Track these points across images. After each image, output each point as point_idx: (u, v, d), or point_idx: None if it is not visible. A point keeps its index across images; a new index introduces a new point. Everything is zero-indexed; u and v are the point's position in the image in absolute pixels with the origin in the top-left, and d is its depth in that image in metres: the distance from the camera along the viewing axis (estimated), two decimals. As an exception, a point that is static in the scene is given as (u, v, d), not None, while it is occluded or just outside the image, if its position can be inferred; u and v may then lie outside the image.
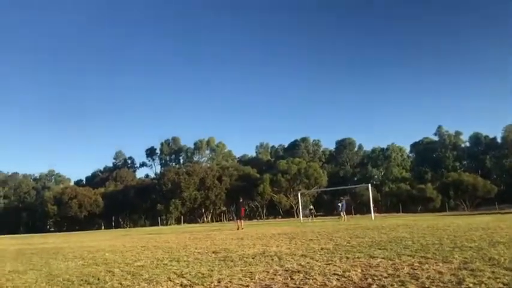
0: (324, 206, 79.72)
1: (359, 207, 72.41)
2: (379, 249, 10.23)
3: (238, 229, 26.12)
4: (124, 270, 8.95)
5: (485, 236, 12.29)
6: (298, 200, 44.44)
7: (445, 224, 20.56)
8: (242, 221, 28.34)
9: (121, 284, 7.23)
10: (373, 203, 44.88)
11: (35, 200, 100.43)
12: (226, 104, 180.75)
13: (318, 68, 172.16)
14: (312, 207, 57.13)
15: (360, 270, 7.19)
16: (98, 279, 7.91)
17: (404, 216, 45.32)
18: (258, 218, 77.13)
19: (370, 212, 43.48)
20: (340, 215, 38.77)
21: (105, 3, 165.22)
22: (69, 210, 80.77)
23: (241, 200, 31.15)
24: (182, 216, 74.54)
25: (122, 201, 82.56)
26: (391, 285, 5.79)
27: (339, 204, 39.23)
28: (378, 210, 63.89)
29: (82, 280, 7.85)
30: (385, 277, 6.43)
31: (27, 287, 7.35)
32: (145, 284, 7.02)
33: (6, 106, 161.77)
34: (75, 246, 18.75)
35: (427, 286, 5.55)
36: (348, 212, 52.59)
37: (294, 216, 39.79)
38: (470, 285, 5.44)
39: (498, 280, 5.64)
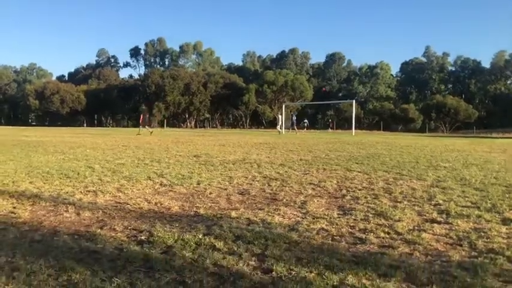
0: (308, 120, 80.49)
1: (341, 122, 73.31)
2: (357, 163, 10.46)
3: (150, 133, 27.43)
4: (104, 167, 9.04)
5: (460, 157, 12.63)
6: (282, 112, 44.69)
7: (423, 144, 21.05)
8: (145, 127, 29.57)
9: (101, 179, 7.31)
10: (355, 119, 45.45)
11: (16, 93, 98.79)
12: (216, 6, 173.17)
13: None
14: (306, 120, 58.95)
15: (335, 182, 7.38)
16: (78, 173, 7.98)
17: (384, 134, 46.23)
18: (241, 127, 77.79)
19: (351, 128, 44.13)
20: (294, 129, 41.33)
21: None
22: (51, 105, 79.93)
23: (143, 108, 31.52)
24: (165, 120, 74.64)
25: (104, 100, 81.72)
26: (365, 197, 5.96)
27: (294, 119, 41.41)
28: (359, 127, 64.94)
29: (62, 174, 7.91)
30: (360, 189, 6.61)
31: (6, 176, 7.38)
32: (125, 182, 7.12)
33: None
34: (57, 141, 18.78)
35: (399, 200, 5.73)
36: (321, 128, 54.78)
37: (276, 127, 40.49)
38: (440, 201, 5.64)
39: (467, 199, 5.84)
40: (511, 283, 2.82)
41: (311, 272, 2.96)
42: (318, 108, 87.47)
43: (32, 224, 4.26)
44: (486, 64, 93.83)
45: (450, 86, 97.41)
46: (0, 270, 2.89)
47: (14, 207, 5.00)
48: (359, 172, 8.75)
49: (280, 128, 38.90)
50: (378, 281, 2.82)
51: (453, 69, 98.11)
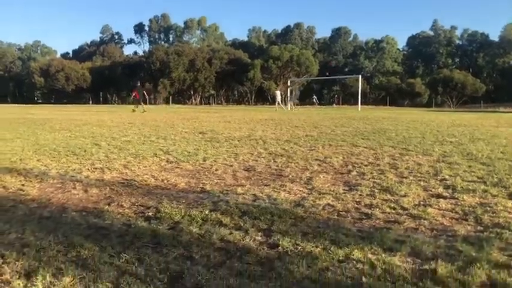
0: (311, 97, 79.99)
1: (347, 98, 72.85)
2: (362, 139, 10.44)
3: (143, 112, 26.90)
4: (111, 144, 9.08)
5: (466, 132, 12.56)
6: (281, 88, 44.61)
7: (429, 119, 20.92)
8: (142, 104, 28.97)
9: (107, 156, 7.35)
10: (361, 94, 45.13)
11: (20, 71, 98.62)
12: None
13: None
14: (314, 96, 58.68)
15: (341, 158, 7.37)
16: (85, 151, 8.02)
17: (391, 109, 45.92)
18: (247, 103, 77.55)
19: (357, 104, 43.86)
20: (289, 105, 40.84)
21: None
22: (56, 82, 79.81)
23: (138, 84, 30.85)
24: (170, 97, 74.47)
25: (109, 77, 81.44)
26: (371, 173, 5.96)
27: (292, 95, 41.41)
28: (365, 102, 64.60)
29: (69, 151, 7.96)
30: (366, 165, 6.61)
31: (14, 154, 7.44)
32: (132, 158, 7.15)
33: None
34: (63, 119, 18.85)
35: (405, 176, 5.73)
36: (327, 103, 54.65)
37: (283, 104, 40.12)
38: (446, 176, 5.63)
39: (473, 174, 5.83)
40: (516, 257, 2.83)
41: (317, 246, 2.99)
42: (323, 84, 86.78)
43: (41, 201, 4.31)
44: (494, 37, 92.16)
45: (457, 60, 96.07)
46: (10, 247, 2.94)
47: (23, 185, 5.05)
48: (365, 148, 8.74)
49: (278, 105, 37.99)
50: (383, 255, 2.84)
51: (461, 42, 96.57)
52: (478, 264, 2.66)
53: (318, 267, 2.63)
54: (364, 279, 2.45)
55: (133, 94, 30.17)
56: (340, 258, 2.80)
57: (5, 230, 3.31)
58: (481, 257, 2.81)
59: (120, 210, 3.95)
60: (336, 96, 76.79)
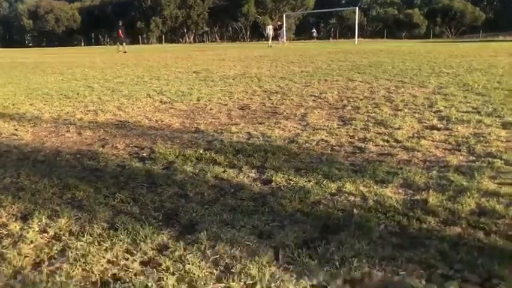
0: (309, 30, 78.23)
1: (344, 31, 71.31)
2: (358, 73, 10.32)
3: (124, 52, 26.80)
4: (103, 86, 8.97)
5: (464, 63, 12.41)
6: (282, 22, 43.29)
7: (427, 50, 20.60)
8: (122, 44, 28.78)
9: (100, 98, 7.28)
10: (358, 27, 44.11)
11: (8, 13, 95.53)
12: None
13: None
14: (314, 30, 57.13)
15: (336, 93, 7.32)
16: (78, 93, 7.93)
17: (388, 42, 45.06)
18: (242, 40, 75.94)
19: (354, 37, 43.00)
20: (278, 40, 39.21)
21: None
22: (46, 24, 77.64)
23: (120, 24, 30.10)
24: (163, 36, 72.76)
25: (99, 17, 79.07)
26: (366, 107, 5.94)
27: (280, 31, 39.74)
28: (362, 35, 63.32)
29: (61, 94, 7.87)
30: (361, 99, 6.57)
31: (6, 99, 7.36)
32: (125, 100, 7.08)
33: None
34: (54, 62, 18.50)
35: (400, 108, 5.71)
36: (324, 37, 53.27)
37: (277, 40, 39.03)
38: (441, 107, 5.62)
39: (468, 104, 5.81)
40: (507, 185, 2.87)
41: (309, 181, 3.02)
42: (320, 17, 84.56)
43: (34, 145, 4.31)
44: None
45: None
46: (6, 191, 2.96)
47: (16, 130, 5.03)
48: (361, 82, 8.65)
49: (270, 39, 36.12)
50: (375, 187, 2.88)
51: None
52: (468, 193, 2.70)
53: (310, 201, 2.66)
54: (355, 210, 2.49)
55: (120, 33, 29.65)
56: (333, 191, 2.84)
57: (0, 175, 3.33)
58: (472, 186, 2.85)
59: (115, 152, 3.96)
60: (333, 30, 75.10)
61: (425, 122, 4.84)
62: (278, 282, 1.79)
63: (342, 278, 1.81)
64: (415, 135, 4.28)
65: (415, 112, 5.44)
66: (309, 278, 1.81)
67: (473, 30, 65.98)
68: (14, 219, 2.49)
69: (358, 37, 43.16)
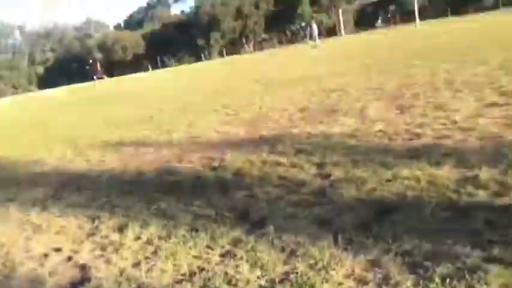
0: (368, 21, 76.44)
1: (404, 16, 68.91)
2: (418, 59, 10.17)
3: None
4: (171, 108, 9.60)
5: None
6: (339, 18, 42.77)
7: (495, 21, 19.60)
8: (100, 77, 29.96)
9: (171, 119, 7.87)
10: (418, 9, 42.43)
11: (80, 50, 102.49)
12: None
13: None
14: (380, 18, 55.73)
15: (395, 82, 7.35)
16: (150, 117, 8.61)
17: (452, 21, 43.04)
18: (301, 41, 75.89)
19: (414, 20, 41.47)
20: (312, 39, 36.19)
21: None
22: (115, 55, 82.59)
23: (90, 61, 30.69)
24: (224, 49, 74.58)
25: (162, 40, 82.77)
26: (424, 92, 5.96)
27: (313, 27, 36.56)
28: (423, 17, 60.84)
29: (136, 120, 8.57)
30: (420, 85, 6.58)
31: (84, 130, 8.16)
32: (193, 117, 7.60)
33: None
34: (126, 90, 19.80)
35: (459, 90, 5.68)
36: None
37: (336, 35, 38.40)
38: (503, 83, 5.52)
39: (533, 76, 5.66)
40: None
41: (366, 171, 3.23)
42: (377, 5, 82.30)
43: (120, 168, 4.86)
44: None
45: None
46: (102, 209, 3.46)
47: (103, 156, 5.66)
48: (420, 67, 8.57)
49: (312, 39, 34.06)
50: (429, 170, 3.02)
51: None
52: (521, 166, 2.78)
53: (366, 188, 2.89)
54: (408, 192, 2.68)
55: (96, 68, 30.76)
56: (389, 178, 3.02)
57: (95, 197, 3.85)
58: (526, 157, 2.92)
59: (190, 165, 4.39)
60: (392, 16, 72.82)
61: (485, 100, 4.83)
62: (337, 260, 2.05)
63: (393, 251, 2.03)
64: (473, 114, 4.31)
65: (475, 91, 5.40)
66: (364, 255, 2.06)
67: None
68: (112, 231, 2.96)
69: (419, 20, 41.55)
